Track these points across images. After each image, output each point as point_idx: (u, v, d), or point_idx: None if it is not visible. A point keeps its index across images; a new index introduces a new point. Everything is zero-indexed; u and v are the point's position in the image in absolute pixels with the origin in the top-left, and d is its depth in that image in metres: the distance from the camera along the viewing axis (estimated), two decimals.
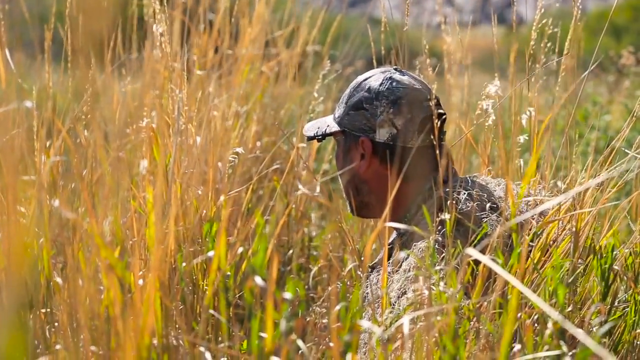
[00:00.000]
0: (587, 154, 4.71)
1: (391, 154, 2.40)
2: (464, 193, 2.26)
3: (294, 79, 4.22)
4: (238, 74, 3.76)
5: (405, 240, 2.33)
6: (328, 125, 2.53)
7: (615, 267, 2.13)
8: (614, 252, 2.12)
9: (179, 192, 2.21)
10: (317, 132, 2.55)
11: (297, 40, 4.19)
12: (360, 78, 2.50)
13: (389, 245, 2.46)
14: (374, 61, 2.97)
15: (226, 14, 3.81)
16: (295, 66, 4.18)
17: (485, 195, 2.27)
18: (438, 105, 2.42)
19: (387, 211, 2.00)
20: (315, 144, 3.64)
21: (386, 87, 2.41)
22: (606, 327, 1.82)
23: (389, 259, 2.38)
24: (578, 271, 2.07)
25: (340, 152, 2.52)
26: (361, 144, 2.44)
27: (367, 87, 2.45)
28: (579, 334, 1.60)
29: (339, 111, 2.51)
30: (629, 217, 2.68)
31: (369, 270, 2.44)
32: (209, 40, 3.71)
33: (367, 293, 2.28)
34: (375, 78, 2.46)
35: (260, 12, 3.90)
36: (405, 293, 2.09)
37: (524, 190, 2.13)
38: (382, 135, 2.39)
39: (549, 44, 2.50)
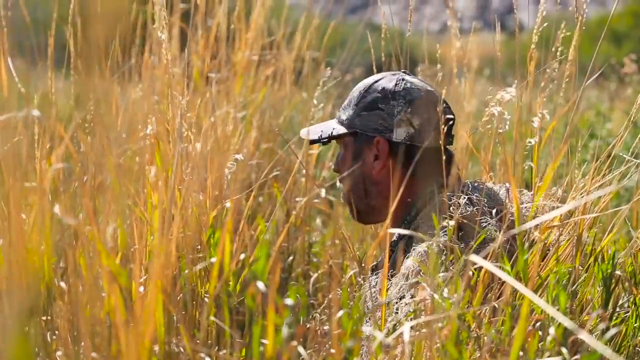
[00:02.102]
0: (588, 161, 4.72)
1: (408, 153, 2.39)
2: (465, 197, 2.26)
3: (293, 85, 4.22)
4: (236, 80, 3.77)
5: (406, 243, 2.33)
6: (334, 128, 2.50)
7: (617, 273, 2.13)
8: (615, 258, 2.12)
9: (178, 201, 2.20)
10: (321, 135, 2.51)
11: (294, 46, 4.19)
12: (368, 80, 2.49)
13: (390, 247, 2.45)
14: (374, 68, 2.97)
15: (224, 20, 3.81)
16: (293, 72, 4.18)
17: (487, 200, 2.27)
18: (448, 109, 2.43)
19: (391, 210, 2.01)
20: (316, 150, 3.64)
21: (402, 87, 2.40)
22: (612, 332, 1.82)
23: (389, 262, 2.38)
24: (581, 279, 2.08)
25: (348, 155, 2.49)
26: (376, 144, 2.42)
27: (380, 88, 2.44)
28: (588, 338, 1.60)
29: (346, 113, 2.49)
30: (629, 224, 2.68)
31: (370, 271, 2.44)
32: (207, 45, 3.72)
33: (367, 294, 2.29)
34: (387, 80, 2.45)
35: (256, 18, 3.90)
36: (403, 297, 2.09)
37: (538, 202, 2.14)
38: (399, 134, 2.38)
39: (559, 47, 2.50)
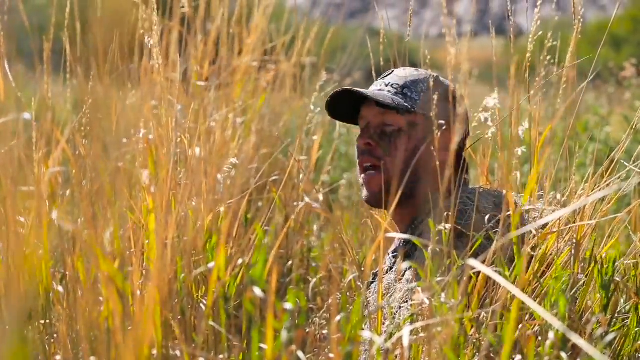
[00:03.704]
0: (587, 165, 4.72)
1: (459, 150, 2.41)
2: (471, 204, 2.25)
3: (293, 90, 4.22)
4: (236, 85, 3.76)
5: (409, 249, 2.32)
6: (412, 105, 2.40)
7: (617, 279, 2.13)
8: (615, 264, 2.12)
9: (173, 205, 2.20)
10: (396, 103, 2.38)
11: (294, 51, 4.19)
12: (431, 73, 2.47)
13: (393, 253, 2.45)
14: (373, 72, 2.97)
15: (224, 25, 3.81)
16: (292, 77, 4.18)
17: (492, 207, 2.26)
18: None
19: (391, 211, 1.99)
20: (315, 154, 3.64)
21: (452, 90, 2.43)
22: (610, 336, 1.82)
23: (392, 268, 2.38)
24: (580, 283, 2.07)
25: (415, 134, 2.40)
26: (447, 134, 2.38)
27: (447, 84, 2.44)
28: (582, 343, 1.60)
29: (415, 95, 2.42)
30: (630, 228, 2.68)
31: (372, 276, 2.44)
32: (206, 50, 3.71)
33: (370, 299, 2.28)
34: (442, 78, 2.47)
35: (257, 22, 3.90)
36: (406, 302, 2.09)
37: (524, 203, 2.13)
38: (460, 132, 2.27)
39: (548, 57, 2.49)
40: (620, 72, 7.15)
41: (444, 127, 2.36)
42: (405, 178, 2.29)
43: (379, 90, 2.45)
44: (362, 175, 2.44)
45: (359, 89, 2.42)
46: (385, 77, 2.49)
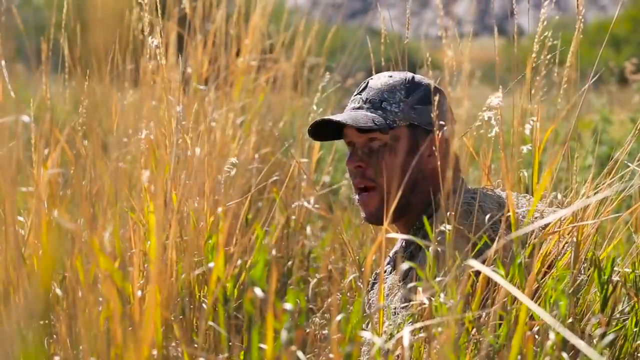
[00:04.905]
0: (588, 167, 4.71)
1: (447, 150, 2.35)
2: (475, 205, 2.24)
3: (293, 90, 4.21)
4: (235, 85, 3.76)
5: (412, 250, 2.31)
6: (394, 119, 2.38)
7: (615, 279, 2.12)
8: (614, 264, 2.11)
9: (175, 205, 2.20)
10: (377, 124, 2.36)
11: (294, 51, 4.18)
12: (402, 75, 2.45)
13: (393, 255, 2.44)
14: (373, 72, 2.96)
15: (222, 25, 3.80)
16: (293, 77, 4.17)
17: (496, 207, 2.25)
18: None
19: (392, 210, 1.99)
20: (316, 155, 3.64)
21: (434, 85, 2.37)
22: (609, 338, 1.81)
23: (394, 270, 2.37)
24: (579, 281, 2.07)
25: (401, 147, 2.37)
26: (434, 139, 2.26)
27: (425, 83, 2.41)
28: (581, 345, 1.60)
29: (393, 105, 2.39)
30: (632, 229, 2.68)
31: (375, 276, 2.44)
32: (205, 51, 3.71)
33: (372, 300, 2.28)
34: (419, 77, 2.43)
35: (256, 22, 3.89)
36: (410, 301, 2.09)
37: (535, 205, 2.12)
38: (449, 131, 2.30)
39: (549, 56, 2.49)
40: (620, 71, 7.14)
41: (431, 132, 2.33)
42: (399, 192, 2.25)
43: (358, 108, 2.42)
44: (357, 197, 2.42)
45: (337, 117, 2.39)
46: (362, 90, 2.45)
